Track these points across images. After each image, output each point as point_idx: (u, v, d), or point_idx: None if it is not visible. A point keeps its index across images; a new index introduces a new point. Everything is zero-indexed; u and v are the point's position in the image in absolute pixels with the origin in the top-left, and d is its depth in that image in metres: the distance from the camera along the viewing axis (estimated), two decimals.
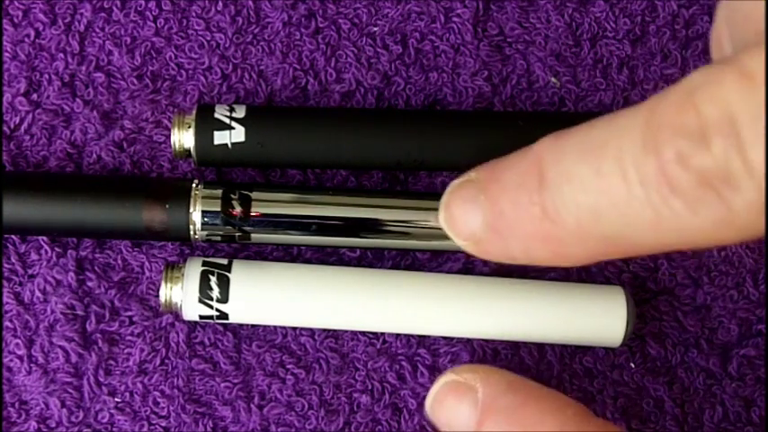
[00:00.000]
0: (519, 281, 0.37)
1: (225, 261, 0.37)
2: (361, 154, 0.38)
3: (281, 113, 0.38)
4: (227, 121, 0.37)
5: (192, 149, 0.37)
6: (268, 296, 0.37)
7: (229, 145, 0.37)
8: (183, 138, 0.37)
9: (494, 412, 0.32)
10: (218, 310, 0.36)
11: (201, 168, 0.39)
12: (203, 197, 0.37)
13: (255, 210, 0.37)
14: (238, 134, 0.37)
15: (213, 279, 0.36)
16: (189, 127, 0.37)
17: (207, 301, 0.36)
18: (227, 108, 0.37)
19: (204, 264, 0.37)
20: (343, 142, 0.38)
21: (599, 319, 0.37)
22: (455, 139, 0.38)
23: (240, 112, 0.37)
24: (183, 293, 0.36)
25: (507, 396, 0.32)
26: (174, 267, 0.37)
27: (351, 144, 0.38)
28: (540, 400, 0.32)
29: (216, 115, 0.37)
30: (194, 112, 0.37)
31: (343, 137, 0.38)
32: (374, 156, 0.38)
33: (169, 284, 0.36)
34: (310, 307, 0.37)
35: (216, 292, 0.36)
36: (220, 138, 0.37)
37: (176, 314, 0.37)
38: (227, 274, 0.37)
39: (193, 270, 0.37)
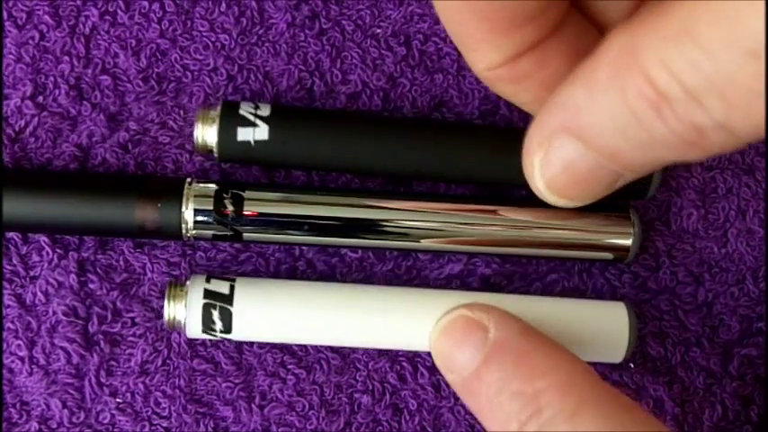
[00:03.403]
0: (520, 297, 0.36)
1: (226, 289, 0.35)
2: (387, 160, 0.36)
3: (307, 114, 0.37)
4: (251, 118, 0.35)
5: (214, 142, 0.36)
6: (272, 326, 0.35)
7: (252, 142, 0.35)
8: (206, 133, 0.35)
9: (502, 354, 0.30)
10: (222, 338, 0.35)
11: (206, 168, 0.38)
12: (195, 195, 0.35)
13: (248, 209, 0.35)
14: (262, 132, 0.35)
15: (215, 313, 0.34)
16: (213, 122, 0.35)
17: (211, 332, 0.34)
18: (252, 105, 0.36)
19: (206, 294, 0.34)
20: (368, 145, 0.36)
21: (601, 337, 0.35)
22: (487, 151, 0.37)
23: (265, 110, 0.36)
24: (185, 323, 0.34)
25: (519, 340, 0.31)
26: (176, 287, 0.35)
27: (377, 150, 0.36)
28: (552, 351, 0.30)
29: (240, 112, 0.35)
30: (219, 107, 0.36)
31: (368, 142, 0.36)
32: (397, 162, 0.36)
33: (173, 304, 0.35)
34: (315, 334, 0.35)
35: (219, 326, 0.34)
36: (243, 134, 0.35)
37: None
38: (229, 307, 0.34)
39: (195, 301, 0.34)
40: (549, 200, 0.29)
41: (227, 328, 0.34)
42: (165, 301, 0.35)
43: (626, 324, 0.35)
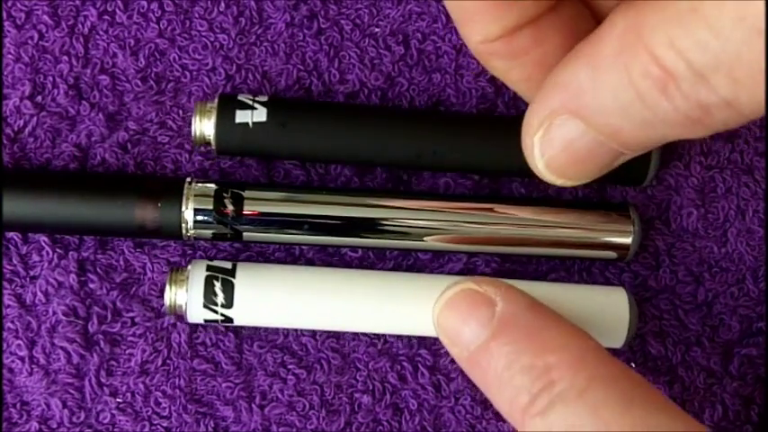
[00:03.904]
0: (521, 282, 0.35)
1: (229, 265, 0.35)
2: (387, 146, 0.36)
3: (305, 101, 0.37)
4: (249, 102, 0.36)
5: (212, 130, 0.36)
6: (272, 300, 0.35)
7: (250, 124, 0.35)
8: (204, 120, 0.36)
9: (511, 328, 0.29)
10: (222, 314, 0.35)
11: (206, 168, 0.38)
12: (196, 195, 0.35)
13: (248, 208, 0.35)
14: (260, 114, 0.35)
15: (218, 285, 0.35)
16: (210, 112, 0.36)
17: (212, 306, 0.35)
18: (251, 94, 0.36)
19: (208, 268, 0.35)
20: (368, 132, 0.36)
21: (602, 320, 0.35)
22: (477, 138, 0.37)
23: (263, 97, 0.36)
24: (187, 299, 0.35)
25: (528, 315, 0.30)
26: (178, 271, 0.35)
27: (377, 135, 0.36)
28: (562, 328, 0.30)
29: (239, 98, 0.36)
30: (217, 98, 0.36)
31: (368, 127, 0.36)
32: (394, 150, 0.37)
33: (174, 288, 0.35)
34: (315, 310, 0.35)
35: (221, 298, 0.35)
36: (242, 117, 0.35)
37: (181, 317, 0.35)
38: (231, 279, 0.35)
39: (198, 275, 0.35)
40: (548, 179, 0.30)
41: (229, 302, 0.35)
42: (167, 286, 0.35)
43: (626, 308, 0.35)
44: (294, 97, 0.38)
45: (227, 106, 0.35)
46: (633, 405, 0.27)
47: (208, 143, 0.36)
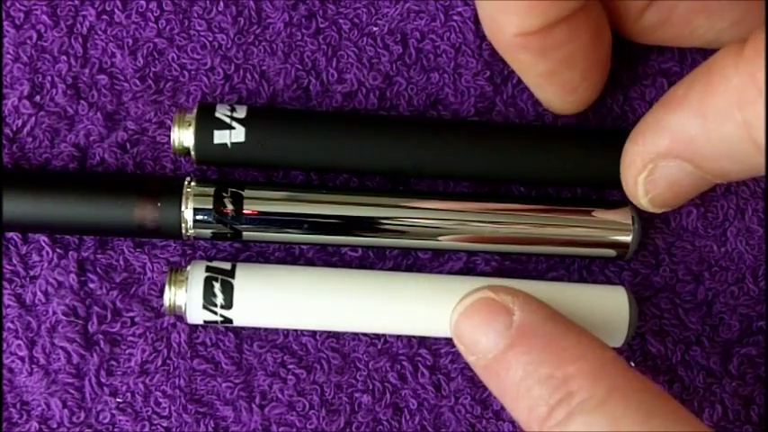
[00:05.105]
0: (521, 281, 0.36)
1: (228, 266, 0.36)
2: (363, 159, 0.37)
3: (283, 115, 0.37)
4: (227, 120, 0.36)
5: (191, 148, 0.36)
6: (272, 301, 0.36)
7: (229, 145, 0.36)
8: (183, 136, 0.36)
9: (529, 338, 0.30)
10: (222, 315, 0.35)
11: (204, 168, 0.38)
12: (195, 195, 0.36)
13: (248, 207, 0.36)
14: (238, 134, 0.36)
15: (217, 286, 0.35)
16: (189, 125, 0.36)
17: (211, 307, 0.35)
18: (229, 108, 0.36)
19: (208, 269, 0.36)
20: (344, 146, 0.36)
21: (602, 319, 0.35)
22: (460, 148, 0.37)
23: (241, 112, 0.36)
24: (186, 301, 0.35)
25: (546, 325, 0.31)
26: (177, 272, 0.36)
27: (353, 148, 0.36)
28: (580, 338, 0.30)
29: (217, 114, 0.36)
30: (195, 110, 0.36)
31: (345, 141, 0.36)
32: (376, 161, 0.37)
33: (173, 289, 0.35)
34: (314, 311, 0.36)
35: (220, 299, 0.35)
36: (220, 137, 0.36)
37: (180, 317, 0.36)
38: (230, 280, 0.35)
39: (197, 276, 0.35)
40: (648, 209, 0.32)
41: (228, 303, 0.35)
42: (166, 287, 0.35)
43: (626, 306, 0.36)
44: (274, 108, 0.38)
45: (205, 125, 0.36)
46: (653, 417, 0.27)
47: (188, 154, 0.36)
